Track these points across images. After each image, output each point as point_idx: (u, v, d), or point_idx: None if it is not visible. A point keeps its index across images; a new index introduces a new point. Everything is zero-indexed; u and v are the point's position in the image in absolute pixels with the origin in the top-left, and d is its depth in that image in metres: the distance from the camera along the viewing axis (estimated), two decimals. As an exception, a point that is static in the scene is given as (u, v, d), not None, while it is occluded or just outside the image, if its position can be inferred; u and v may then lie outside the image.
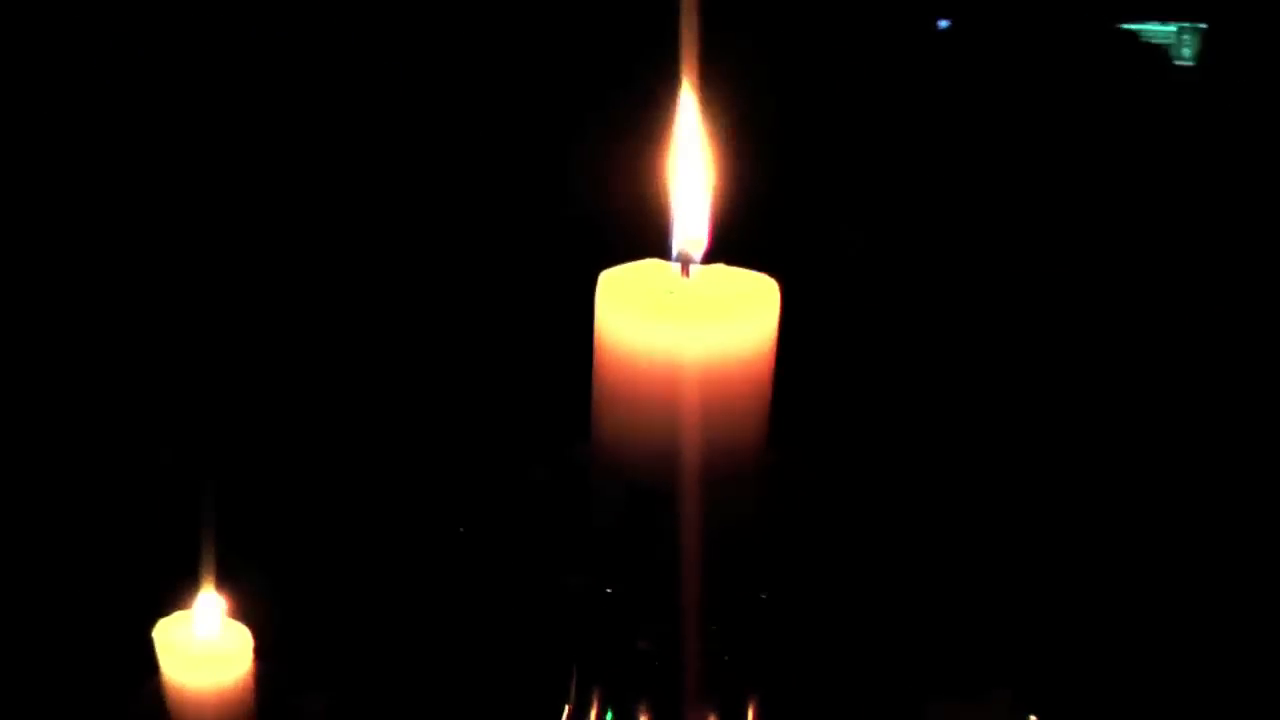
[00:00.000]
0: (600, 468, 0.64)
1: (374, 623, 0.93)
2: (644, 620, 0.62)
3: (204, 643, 1.06)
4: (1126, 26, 1.22)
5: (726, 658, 0.65)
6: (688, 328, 0.62)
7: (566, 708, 0.65)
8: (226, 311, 1.10)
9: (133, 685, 0.99)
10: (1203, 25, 1.24)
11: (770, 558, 0.66)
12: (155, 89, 1.07)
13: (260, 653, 1.06)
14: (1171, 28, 1.25)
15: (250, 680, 1.07)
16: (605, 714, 0.64)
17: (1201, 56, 1.21)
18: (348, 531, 1.02)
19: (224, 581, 1.06)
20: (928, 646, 0.91)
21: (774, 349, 0.65)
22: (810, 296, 0.97)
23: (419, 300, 1.07)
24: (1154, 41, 1.25)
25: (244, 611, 1.06)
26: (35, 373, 1.08)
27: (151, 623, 1.05)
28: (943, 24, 1.28)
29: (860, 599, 0.85)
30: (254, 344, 1.10)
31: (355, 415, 1.07)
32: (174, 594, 1.05)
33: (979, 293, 1.11)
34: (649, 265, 0.65)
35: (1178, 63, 1.24)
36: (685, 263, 0.64)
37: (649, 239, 0.65)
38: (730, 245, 0.66)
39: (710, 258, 0.65)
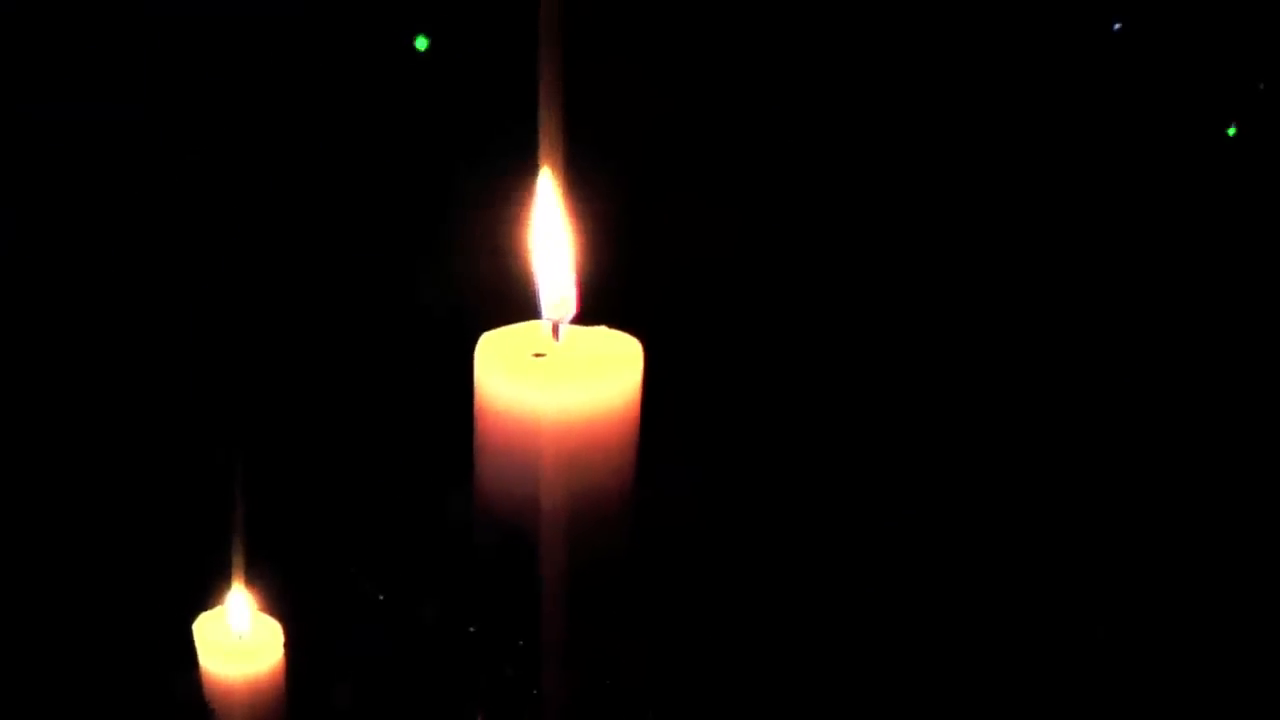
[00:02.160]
0: (479, 510, 0.71)
1: (398, 615, 1.00)
2: (508, 653, 0.69)
3: (237, 637, 1.15)
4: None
5: (608, 682, 0.72)
6: (548, 390, 0.68)
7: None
8: (242, 313, 1.17)
9: (176, 676, 1.09)
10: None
11: (640, 593, 0.72)
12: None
13: (290, 645, 1.15)
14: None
15: (281, 671, 1.16)
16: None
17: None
18: (369, 527, 1.09)
19: (254, 579, 1.15)
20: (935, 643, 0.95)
21: (635, 406, 0.71)
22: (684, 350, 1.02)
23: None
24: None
25: (274, 607, 1.15)
26: (67, 372, 1.16)
27: (192, 619, 1.14)
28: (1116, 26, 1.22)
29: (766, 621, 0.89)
30: (277, 342, 1.16)
31: (369, 416, 1.14)
32: (211, 592, 1.14)
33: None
34: (527, 327, 0.72)
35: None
36: (555, 326, 0.71)
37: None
38: (600, 305, 0.72)
39: (581, 319, 0.72)
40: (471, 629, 0.69)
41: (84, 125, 1.11)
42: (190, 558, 1.08)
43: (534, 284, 0.71)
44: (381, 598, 0.82)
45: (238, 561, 1.15)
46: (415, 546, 0.82)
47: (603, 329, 0.72)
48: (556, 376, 0.69)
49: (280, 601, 1.14)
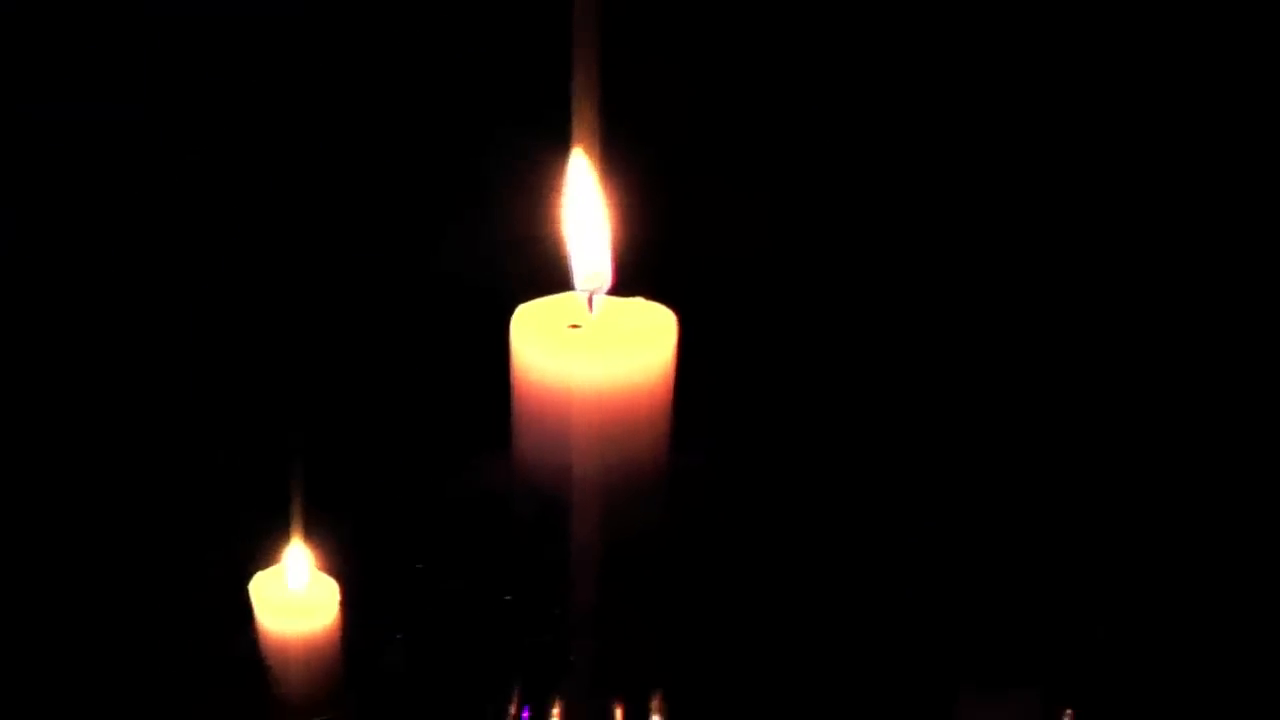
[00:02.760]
0: (517, 480, 0.72)
1: (450, 575, 1.01)
2: (544, 621, 0.70)
3: (294, 594, 1.17)
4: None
5: (637, 653, 0.73)
6: (582, 362, 0.69)
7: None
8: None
9: (233, 632, 1.11)
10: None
11: (675, 562, 0.73)
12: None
13: (346, 603, 1.17)
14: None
15: (337, 629, 1.18)
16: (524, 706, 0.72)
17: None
18: (426, 488, 1.10)
19: (312, 537, 1.17)
20: (949, 642, 0.95)
21: (669, 378, 0.71)
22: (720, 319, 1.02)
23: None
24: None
25: (332, 565, 1.17)
26: (128, 333, 1.17)
27: (249, 577, 1.16)
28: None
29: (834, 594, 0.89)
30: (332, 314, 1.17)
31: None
32: (268, 549, 1.16)
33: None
34: (562, 299, 0.72)
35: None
36: (590, 297, 0.71)
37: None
38: (637, 274, 0.72)
39: (618, 289, 0.72)
40: (507, 597, 0.70)
41: (84, 125, 1.12)
42: (249, 515, 1.09)
43: (568, 256, 0.71)
44: (419, 566, 0.84)
45: (296, 519, 1.17)
46: (455, 515, 0.82)
47: (638, 300, 0.72)
48: (590, 349, 0.69)
49: (338, 560, 1.16)
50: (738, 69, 1.10)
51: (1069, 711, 0.97)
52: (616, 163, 0.70)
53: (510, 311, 0.71)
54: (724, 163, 1.10)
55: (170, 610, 1.19)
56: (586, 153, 0.72)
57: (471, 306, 0.79)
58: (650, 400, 0.70)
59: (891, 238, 1.13)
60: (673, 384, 0.72)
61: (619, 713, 0.72)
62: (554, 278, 0.72)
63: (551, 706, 0.72)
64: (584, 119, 0.70)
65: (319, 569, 1.18)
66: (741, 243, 1.07)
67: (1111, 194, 1.15)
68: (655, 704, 0.74)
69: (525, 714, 0.70)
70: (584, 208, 0.71)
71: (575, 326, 0.71)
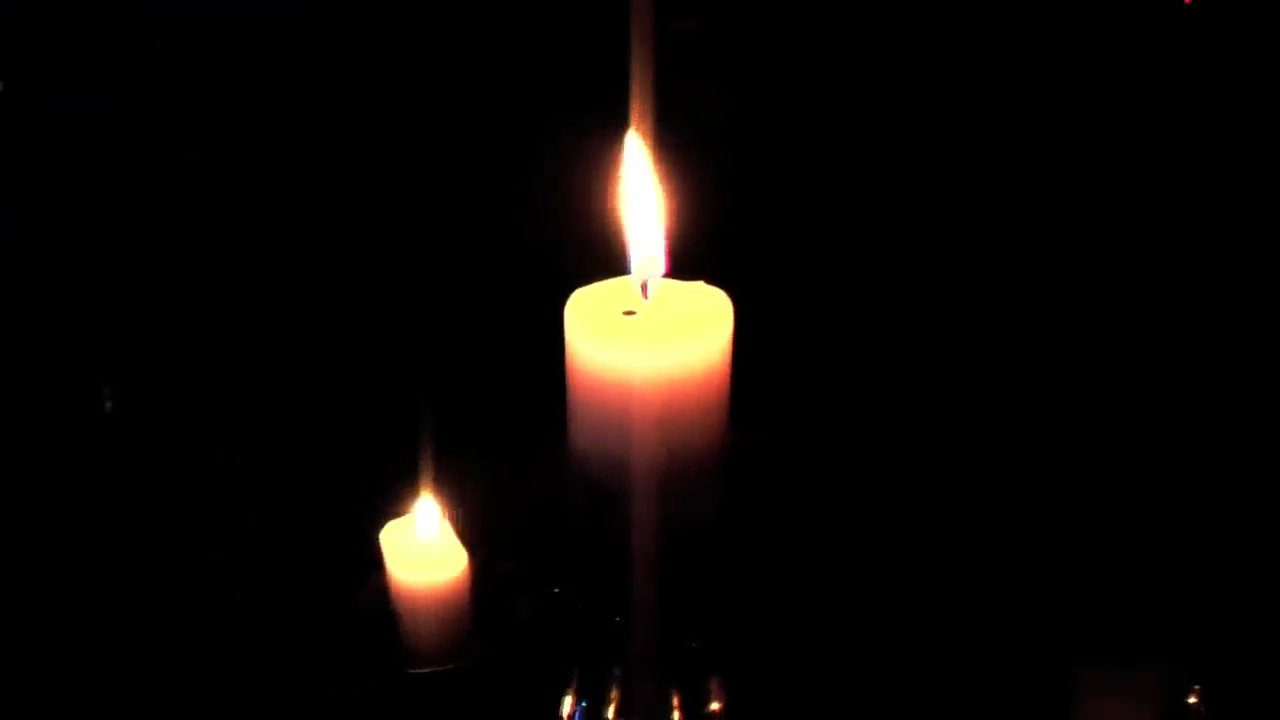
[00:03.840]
0: (571, 468, 0.71)
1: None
2: (596, 612, 0.70)
3: (424, 545, 1.19)
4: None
5: (693, 644, 0.72)
6: (639, 351, 0.68)
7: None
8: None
9: (363, 579, 1.13)
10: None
11: (733, 551, 0.72)
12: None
13: (475, 557, 1.18)
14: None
15: (466, 581, 1.19)
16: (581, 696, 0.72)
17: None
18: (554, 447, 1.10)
19: (444, 490, 1.18)
20: (1066, 620, 0.92)
21: (726, 363, 0.70)
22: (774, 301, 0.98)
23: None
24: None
25: (463, 519, 1.18)
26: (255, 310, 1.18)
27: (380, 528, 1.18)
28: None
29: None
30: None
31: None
32: (400, 501, 1.18)
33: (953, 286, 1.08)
34: (617, 284, 0.71)
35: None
36: (644, 284, 0.70)
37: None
38: (690, 257, 0.71)
39: (672, 274, 0.71)
40: (557, 590, 0.70)
41: (84, 125, 1.13)
42: (380, 466, 1.11)
43: (624, 241, 0.70)
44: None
45: (426, 470, 1.18)
46: (510, 506, 0.82)
47: (695, 284, 0.71)
48: (645, 336, 0.68)
49: (465, 511, 1.17)
50: (792, 53, 1.07)
51: (1195, 689, 0.93)
52: (671, 147, 0.69)
53: (561, 297, 0.70)
54: (776, 149, 1.07)
55: (302, 562, 1.21)
56: (641, 135, 0.70)
57: (528, 291, 0.78)
58: (706, 387, 0.69)
59: (944, 216, 1.09)
60: (729, 370, 0.70)
61: (675, 700, 0.72)
62: (611, 261, 0.71)
63: (608, 696, 0.72)
64: (640, 103, 0.68)
65: (449, 521, 1.19)
66: (795, 227, 1.04)
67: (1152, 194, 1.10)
68: (714, 690, 0.73)
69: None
70: (639, 192, 0.70)
71: (630, 313, 0.70)
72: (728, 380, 0.70)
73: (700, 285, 0.71)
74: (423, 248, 1.09)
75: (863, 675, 0.79)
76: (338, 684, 1.14)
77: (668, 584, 0.70)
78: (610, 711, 0.72)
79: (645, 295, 0.70)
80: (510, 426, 0.93)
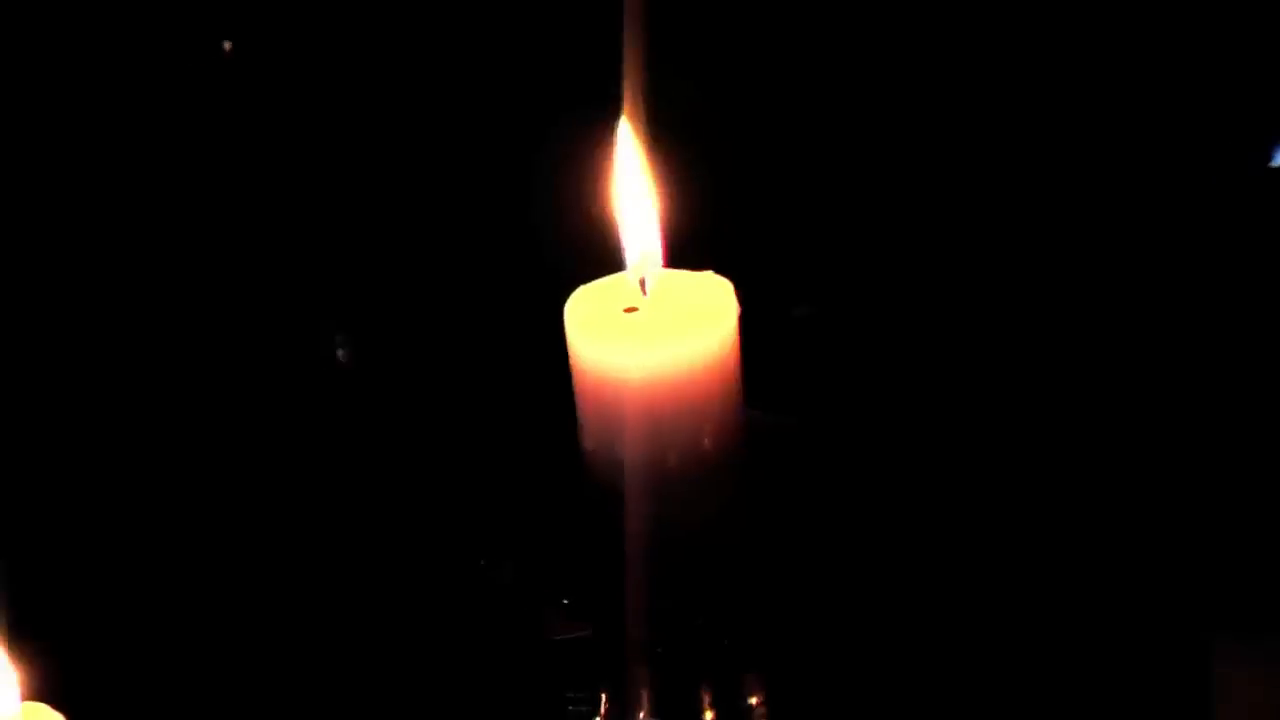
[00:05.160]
0: (584, 472, 0.70)
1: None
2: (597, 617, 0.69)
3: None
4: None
5: (725, 642, 0.70)
6: (634, 350, 0.66)
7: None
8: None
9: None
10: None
11: (753, 548, 0.70)
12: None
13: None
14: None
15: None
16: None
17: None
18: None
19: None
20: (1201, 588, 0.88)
21: (730, 357, 0.67)
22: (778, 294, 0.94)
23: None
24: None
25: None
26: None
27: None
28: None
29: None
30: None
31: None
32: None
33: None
34: (617, 280, 0.69)
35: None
36: (642, 280, 0.68)
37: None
38: (690, 247, 0.69)
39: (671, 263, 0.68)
40: (565, 601, 0.69)
41: (85, 125, 1.11)
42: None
43: (620, 237, 0.68)
44: (482, 562, 0.83)
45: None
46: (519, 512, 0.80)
47: (701, 274, 0.69)
48: (639, 334, 0.66)
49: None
50: (787, 37, 1.03)
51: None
52: (664, 139, 0.66)
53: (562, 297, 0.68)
54: (776, 123, 1.03)
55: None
56: (633, 124, 0.68)
57: (531, 290, 0.77)
58: (710, 382, 0.67)
59: (958, 196, 1.04)
60: (737, 362, 0.68)
61: (706, 699, 0.71)
62: (611, 256, 0.69)
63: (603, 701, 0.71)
64: (632, 91, 0.66)
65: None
66: (794, 214, 1.01)
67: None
68: (751, 686, 0.72)
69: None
70: (631, 185, 0.68)
71: (631, 310, 0.68)
72: (735, 373, 0.68)
73: (706, 275, 0.68)
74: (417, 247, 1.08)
75: (956, 651, 0.76)
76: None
77: (677, 585, 0.68)
78: (642, 714, 0.71)
79: (644, 291, 0.68)
80: (517, 431, 0.91)
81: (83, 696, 0.89)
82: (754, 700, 0.72)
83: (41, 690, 0.91)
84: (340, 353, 1.17)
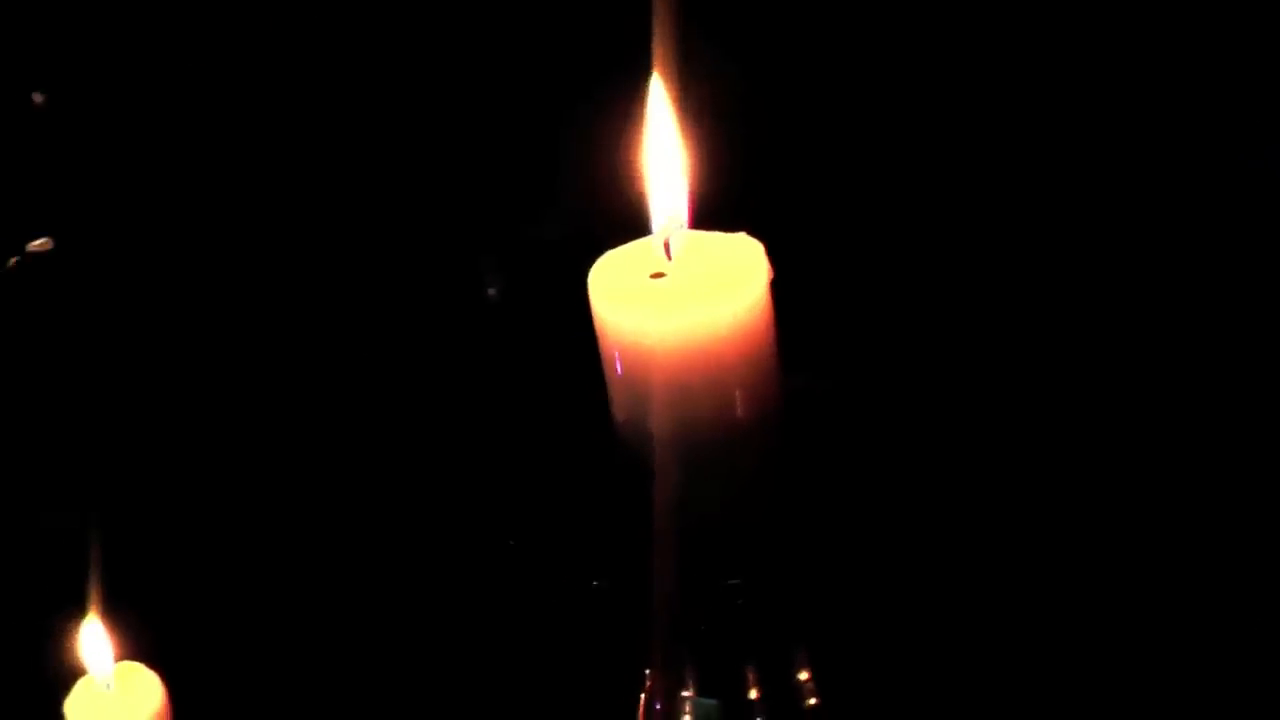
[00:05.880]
0: (617, 446, 0.67)
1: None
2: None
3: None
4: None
5: (769, 619, 0.68)
6: (657, 316, 0.63)
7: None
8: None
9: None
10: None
11: (792, 518, 0.67)
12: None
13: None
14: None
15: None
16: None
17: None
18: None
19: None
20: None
21: (762, 321, 0.65)
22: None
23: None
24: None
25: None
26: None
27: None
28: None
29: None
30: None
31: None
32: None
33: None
34: (641, 245, 0.67)
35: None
36: (666, 243, 0.65)
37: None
38: (724, 209, 0.66)
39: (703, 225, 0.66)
40: (595, 583, 0.66)
41: (84, 125, 1.10)
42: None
43: (646, 200, 0.66)
44: (512, 543, 0.80)
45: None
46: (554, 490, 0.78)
47: (726, 234, 0.66)
48: (662, 300, 0.63)
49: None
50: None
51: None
52: (694, 100, 0.64)
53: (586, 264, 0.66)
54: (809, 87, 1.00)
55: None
56: (665, 83, 0.65)
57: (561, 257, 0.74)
58: (738, 347, 0.64)
59: (981, 161, 1.01)
60: (770, 327, 0.65)
61: (752, 677, 0.68)
62: (639, 221, 0.67)
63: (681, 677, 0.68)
64: (663, 48, 0.63)
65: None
66: (823, 175, 0.98)
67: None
68: (799, 662, 0.69)
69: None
70: (661, 144, 0.65)
71: (658, 275, 0.65)
72: (768, 339, 0.65)
73: (737, 237, 0.66)
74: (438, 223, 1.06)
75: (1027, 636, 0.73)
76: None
77: (712, 558, 0.65)
78: (688, 691, 0.68)
79: (669, 256, 0.65)
80: (546, 409, 0.89)
81: (175, 658, 0.91)
82: (803, 675, 0.69)
83: (135, 652, 0.94)
84: (490, 291, 1.15)
